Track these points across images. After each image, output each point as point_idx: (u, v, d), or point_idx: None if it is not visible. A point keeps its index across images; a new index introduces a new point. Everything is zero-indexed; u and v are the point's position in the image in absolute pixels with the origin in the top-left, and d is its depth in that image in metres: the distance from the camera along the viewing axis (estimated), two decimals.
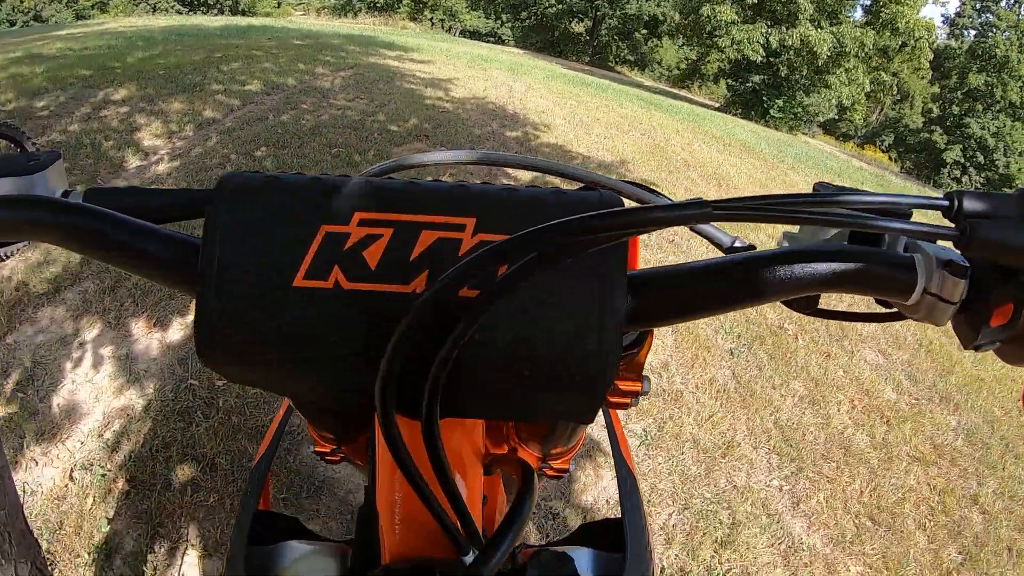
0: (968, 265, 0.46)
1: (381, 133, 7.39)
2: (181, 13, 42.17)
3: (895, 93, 37.39)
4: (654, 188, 0.69)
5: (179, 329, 3.56)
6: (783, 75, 29.18)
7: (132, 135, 6.51)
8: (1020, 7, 39.20)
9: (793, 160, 13.99)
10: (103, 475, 2.63)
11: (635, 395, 0.60)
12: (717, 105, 32.29)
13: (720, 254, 0.60)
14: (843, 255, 0.47)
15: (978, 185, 37.92)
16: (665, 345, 4.19)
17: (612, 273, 0.46)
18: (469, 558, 0.53)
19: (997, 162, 38.21)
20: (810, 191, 0.48)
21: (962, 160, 38.94)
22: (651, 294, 0.49)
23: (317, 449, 0.90)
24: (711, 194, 7.98)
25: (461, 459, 0.58)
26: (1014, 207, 0.43)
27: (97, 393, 3.08)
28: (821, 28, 28.22)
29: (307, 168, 5.84)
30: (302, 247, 0.46)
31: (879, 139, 46.64)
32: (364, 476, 1.00)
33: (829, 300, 0.56)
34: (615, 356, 0.45)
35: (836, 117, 34.76)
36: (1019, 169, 38.32)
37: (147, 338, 3.47)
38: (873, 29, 28.96)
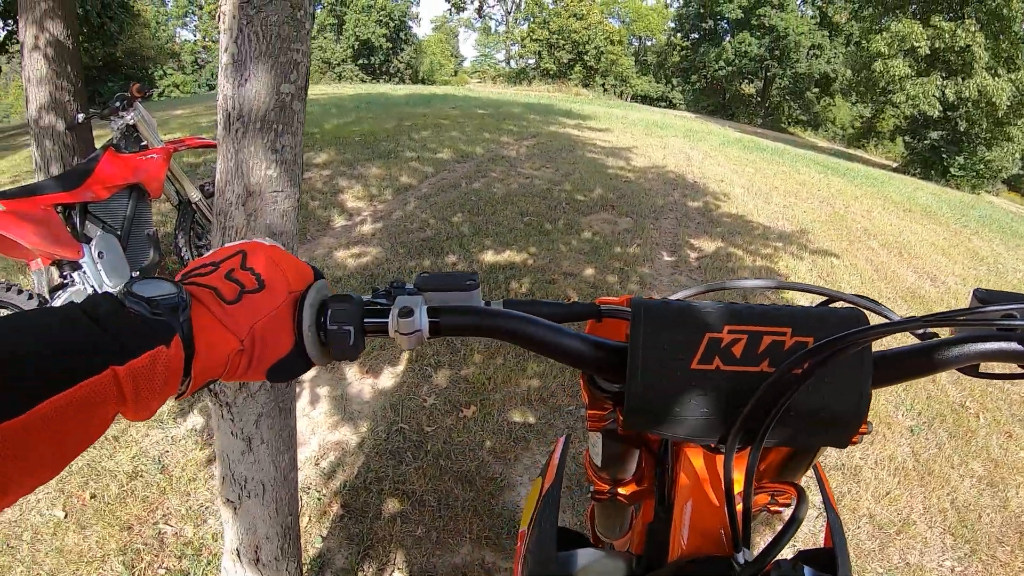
0: None
1: (569, 202, 7.60)
2: (365, 81, 43.82)
3: None
4: (876, 300, 0.96)
5: (390, 377, 3.81)
6: (962, 129, 27.40)
7: (336, 197, 6.96)
8: None
9: (977, 224, 13.35)
10: (319, 498, 2.88)
11: (863, 434, 0.79)
12: (895, 165, 30.94)
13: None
14: (991, 337, 0.74)
15: None
16: None
17: (866, 360, 0.71)
18: (740, 558, 0.76)
19: None
20: (969, 297, 0.88)
21: None
22: (883, 368, 0.76)
23: (596, 487, 1.12)
24: (891, 263, 7.82)
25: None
26: None
27: (314, 427, 3.37)
28: (999, 76, 26.47)
29: (502, 235, 6.13)
30: (696, 345, 0.72)
31: None
32: (608, 510, 1.26)
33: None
34: (865, 407, 0.72)
35: (1021, 172, 32.89)
36: None
37: (360, 383, 3.75)
38: None
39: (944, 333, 0.81)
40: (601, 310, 0.90)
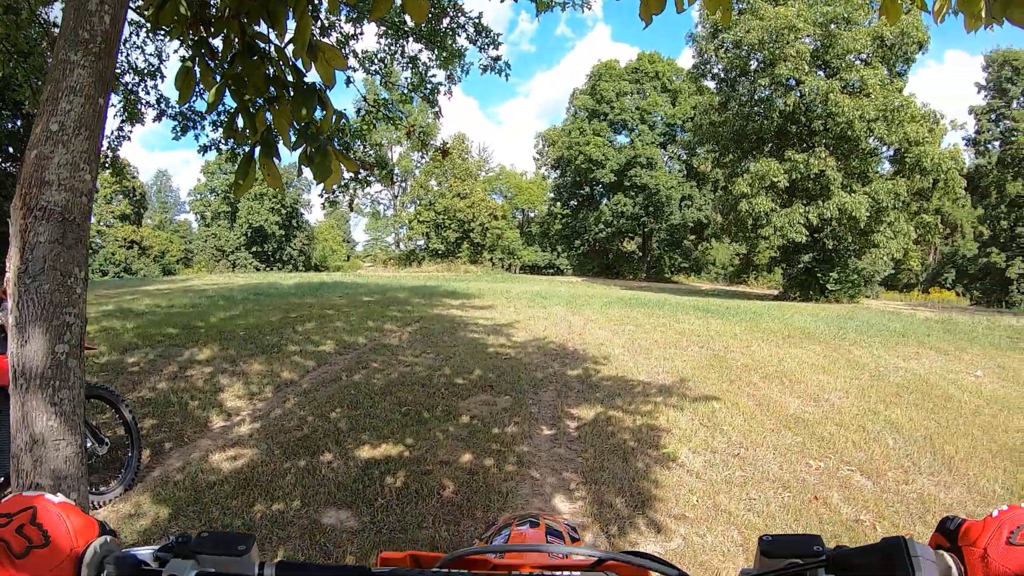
0: None
1: (448, 387, 7.65)
2: (259, 269, 44.00)
3: (943, 230, 37.10)
4: (653, 556, 0.94)
5: None
6: (831, 247, 29.77)
7: (215, 395, 6.90)
8: None
9: (855, 334, 13.74)
10: None
11: None
12: (776, 293, 32.78)
13: None
14: None
15: None
16: None
17: None
18: None
19: None
20: (756, 547, 0.83)
21: None
22: None
23: None
24: (773, 394, 8.02)
25: None
26: (874, 556, 0.68)
27: None
28: (854, 192, 28.92)
29: (379, 428, 6.11)
30: None
31: (941, 278, 45.59)
32: None
33: None
34: None
35: (894, 271, 34.59)
36: None
37: None
38: (903, 176, 29.41)
39: None
40: (372, 573, 0.91)
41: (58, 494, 0.85)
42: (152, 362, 7.77)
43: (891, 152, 30.94)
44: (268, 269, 45.19)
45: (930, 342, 13.05)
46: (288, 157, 3.20)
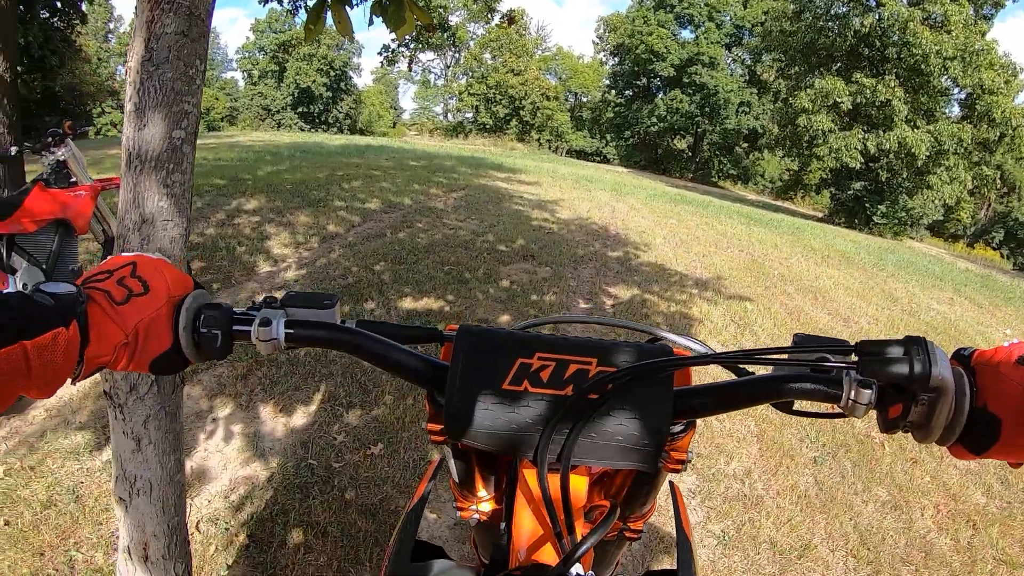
0: (872, 382, 0.76)
1: (490, 252, 7.75)
2: (304, 130, 43.67)
3: (1000, 186, 36.15)
4: (695, 339, 1.06)
5: (302, 416, 3.87)
6: (884, 179, 28.71)
7: (262, 243, 7.00)
8: None
9: (893, 268, 13.61)
10: (226, 529, 2.92)
11: (683, 462, 0.89)
12: (821, 215, 31.94)
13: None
14: (805, 378, 0.81)
15: None
16: (749, 454, 4.29)
17: (663, 389, 0.83)
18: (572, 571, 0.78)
19: None
20: (790, 340, 0.89)
21: None
22: (688, 401, 0.85)
23: (458, 504, 1.16)
24: (805, 306, 8.06)
25: (573, 503, 0.87)
26: (898, 348, 0.76)
27: (226, 462, 3.41)
28: (917, 128, 27.78)
29: (422, 283, 6.23)
30: (507, 368, 0.84)
31: (989, 236, 44.22)
32: (477, 531, 1.30)
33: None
34: (665, 434, 0.83)
35: (943, 218, 33.68)
36: None
37: (273, 421, 3.80)
38: (970, 123, 28.23)
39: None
40: (443, 335, 0.99)
41: (155, 252, 0.93)
42: (200, 210, 7.85)
43: (962, 95, 29.45)
44: (313, 130, 44.69)
45: (966, 292, 12.80)
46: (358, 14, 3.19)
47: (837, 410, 0.80)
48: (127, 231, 1.69)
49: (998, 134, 28.72)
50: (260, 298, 0.99)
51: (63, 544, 2.77)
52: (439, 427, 0.89)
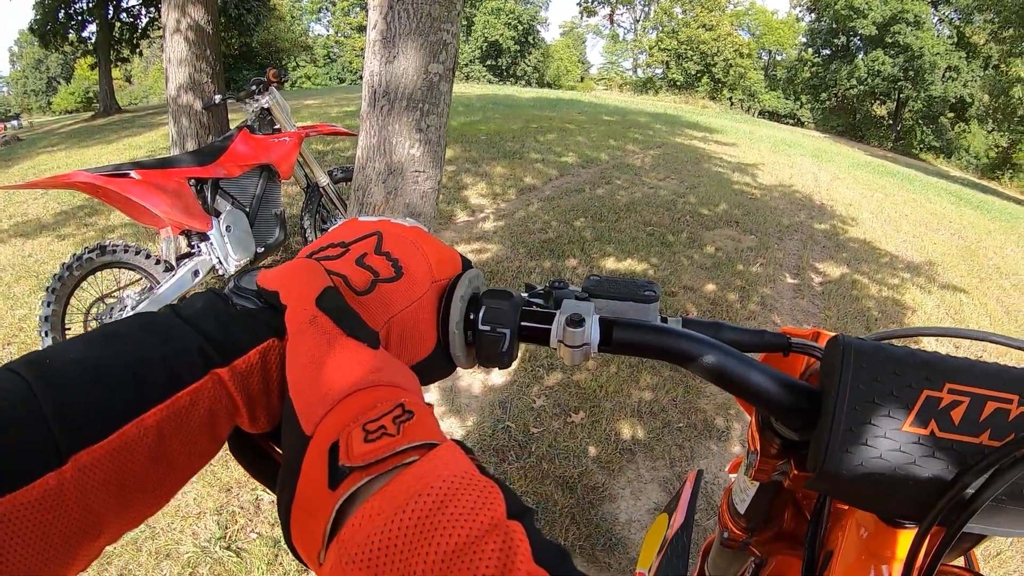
0: None
1: (692, 216, 7.49)
2: (492, 83, 44.37)
3: None
4: None
5: (501, 374, 3.79)
6: None
7: (460, 192, 7.00)
8: None
9: None
10: None
11: None
12: None
13: None
14: None
15: None
16: None
17: None
18: None
19: None
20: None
21: None
22: None
23: (730, 535, 1.00)
24: (1023, 307, 7.53)
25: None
26: None
27: None
28: None
29: (624, 243, 6.07)
30: (910, 402, 0.59)
31: None
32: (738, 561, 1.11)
33: None
34: None
35: None
36: None
37: (471, 377, 3.74)
38: None
39: None
40: (791, 344, 0.77)
41: (406, 218, 0.65)
42: None
43: None
44: (501, 83, 45.41)
45: None
46: None
47: None
48: (368, 183, 1.45)
49: None
50: (541, 285, 0.75)
51: (250, 483, 2.83)
52: (775, 463, 0.76)
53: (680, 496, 1.14)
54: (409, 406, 0.44)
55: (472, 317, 0.65)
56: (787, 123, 44.20)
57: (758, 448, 0.78)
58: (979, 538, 0.76)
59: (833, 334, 0.68)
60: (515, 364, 3.79)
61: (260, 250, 4.25)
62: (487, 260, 5.24)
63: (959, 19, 43.01)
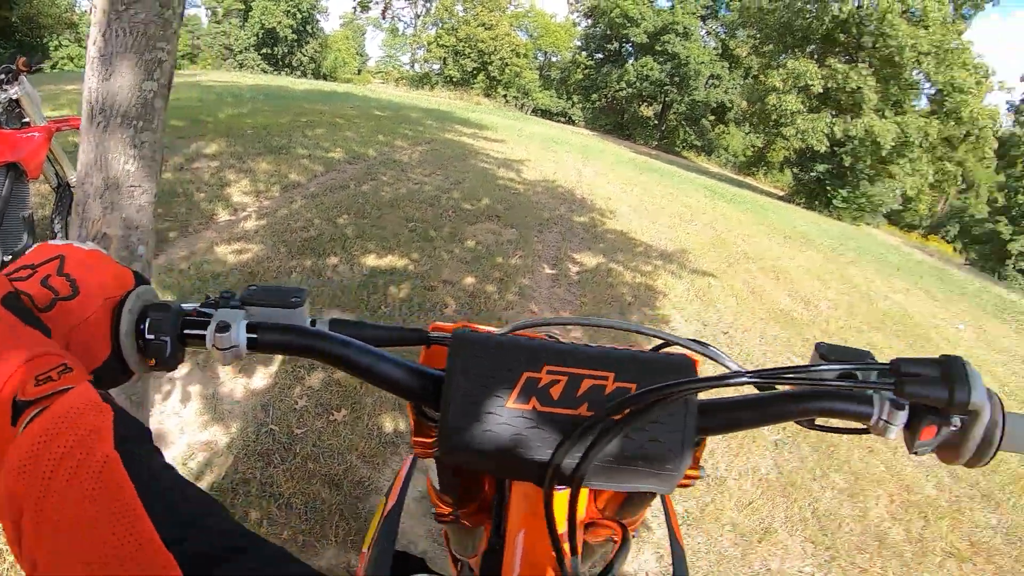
0: (905, 403, 0.72)
1: (455, 211, 7.66)
2: (267, 72, 43.00)
3: (960, 183, 36.96)
4: (710, 344, 0.92)
5: (263, 377, 3.77)
6: (847, 165, 29.08)
7: (222, 190, 6.84)
8: None
9: (854, 254, 13.95)
10: None
11: (695, 478, 0.84)
12: (782, 194, 32.35)
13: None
14: (831, 396, 0.75)
15: None
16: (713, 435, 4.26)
17: (688, 408, 0.73)
18: None
19: None
20: (813, 351, 0.83)
21: None
22: (713, 418, 0.77)
23: (437, 510, 1.07)
24: (767, 286, 8.20)
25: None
26: (935, 369, 0.69)
27: (183, 426, 3.31)
28: (885, 118, 28.24)
29: (386, 240, 6.15)
30: (512, 383, 0.72)
31: (944, 229, 45.88)
32: (457, 532, 1.22)
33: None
34: (686, 456, 0.73)
35: (901, 207, 34.50)
36: None
37: (232, 382, 3.70)
38: (937, 119, 28.75)
39: None
40: (429, 337, 0.89)
41: (87, 242, 0.77)
42: None
43: (933, 91, 29.90)
44: (276, 73, 43.95)
45: (923, 284, 13.14)
46: None
47: (860, 426, 0.77)
48: (87, 198, 1.53)
49: (963, 132, 29.52)
50: (209, 296, 0.86)
51: None
52: (429, 442, 0.84)
53: (395, 480, 1.23)
54: (71, 364, 0.59)
55: (141, 327, 0.75)
56: (559, 121, 45.40)
57: (412, 428, 0.88)
58: (650, 495, 0.95)
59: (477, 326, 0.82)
60: (276, 367, 3.84)
61: (7, 258, 3.92)
62: (248, 261, 5.18)
63: (725, 33, 46.12)
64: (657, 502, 1.19)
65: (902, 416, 0.72)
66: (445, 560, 1.40)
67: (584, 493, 0.89)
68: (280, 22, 46.53)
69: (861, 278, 10.99)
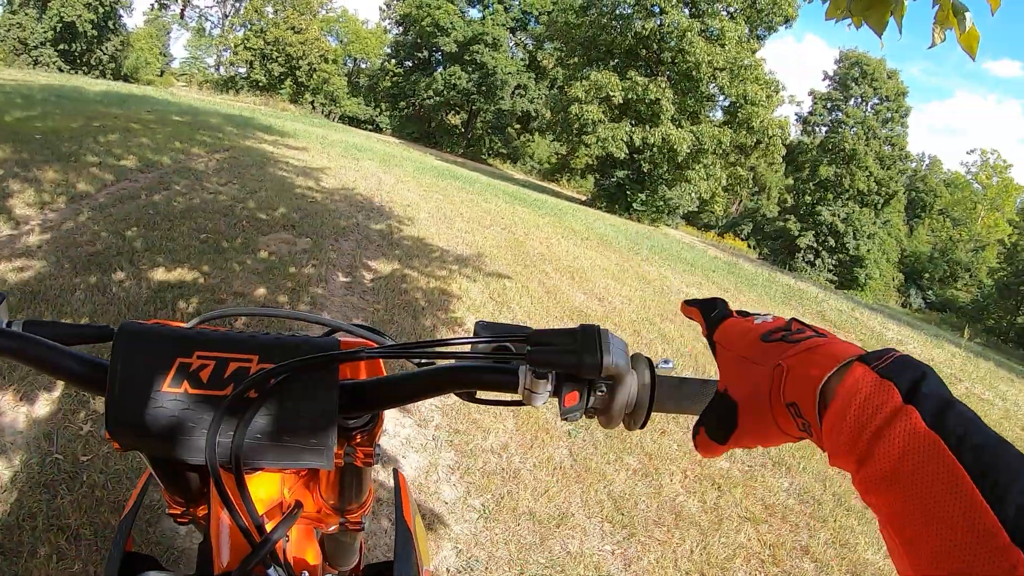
0: (546, 372, 0.76)
1: (250, 221, 7.60)
2: (63, 71, 40.73)
3: (752, 186, 39.71)
4: (379, 330, 0.99)
5: (45, 404, 3.60)
6: (646, 170, 31.03)
7: (4, 201, 6.50)
8: (867, 105, 42.64)
9: (648, 252, 14.78)
10: None
11: (372, 455, 0.89)
12: (584, 199, 33.90)
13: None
14: (483, 369, 0.81)
15: (831, 266, 41.91)
16: (505, 429, 4.47)
17: (327, 384, 0.79)
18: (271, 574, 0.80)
19: (847, 244, 41.86)
20: (472, 328, 0.87)
21: (815, 244, 42.50)
22: (360, 395, 0.83)
23: (170, 511, 1.05)
24: (563, 285, 8.61)
25: (264, 502, 0.87)
26: (569, 339, 0.74)
27: None
28: (682, 127, 30.29)
29: (176, 252, 6.05)
30: (167, 368, 0.77)
31: (739, 228, 49.57)
32: (199, 531, 1.18)
33: None
34: (331, 430, 0.78)
35: (697, 209, 36.58)
36: (868, 250, 42.08)
37: (14, 411, 3.51)
38: (731, 128, 31.36)
39: None
40: (114, 332, 0.86)
41: None
42: None
43: (727, 103, 32.59)
44: (73, 72, 41.37)
45: (714, 277, 14.23)
46: None
47: (516, 397, 0.80)
48: None
49: (755, 140, 32.25)
50: None
51: None
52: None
53: (137, 484, 1.23)
54: None
55: None
56: (366, 128, 45.27)
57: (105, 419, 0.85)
58: (358, 478, 0.98)
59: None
60: (59, 391, 3.71)
61: None
62: (29, 279, 4.94)
63: (533, 45, 47.44)
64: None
65: (545, 385, 0.76)
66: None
67: (274, 477, 0.91)
68: (80, 15, 43.70)
69: (656, 274, 11.64)
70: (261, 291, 5.70)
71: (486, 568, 3.20)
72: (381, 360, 0.93)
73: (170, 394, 0.77)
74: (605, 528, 3.72)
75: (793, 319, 0.70)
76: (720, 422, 0.70)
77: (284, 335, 0.84)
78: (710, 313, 0.79)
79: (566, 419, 0.77)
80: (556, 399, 0.78)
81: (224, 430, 0.76)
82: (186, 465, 0.91)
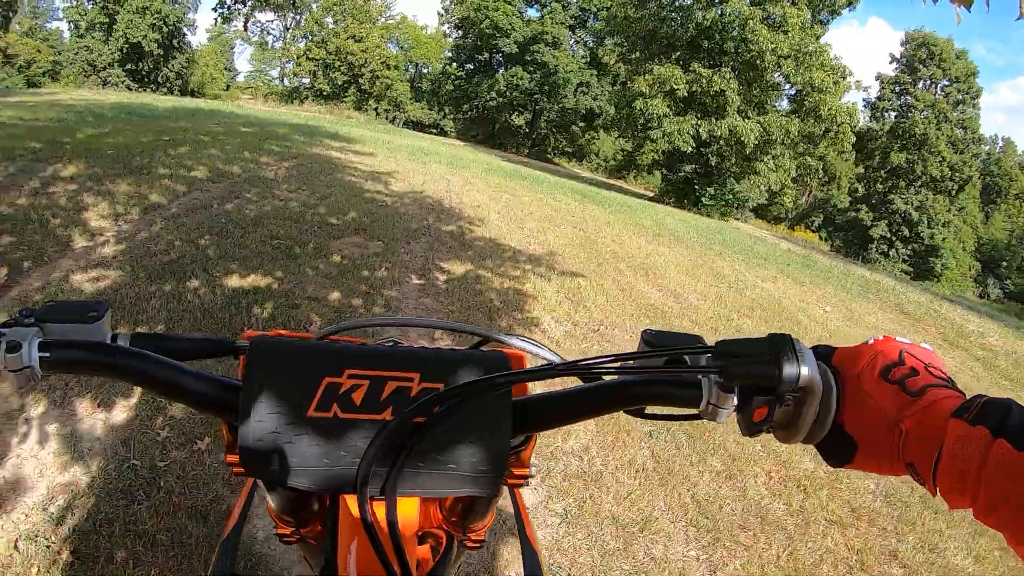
0: (733, 386, 0.70)
1: (321, 226, 7.58)
2: (131, 89, 41.70)
3: (822, 176, 38.89)
4: (534, 341, 0.90)
5: (122, 411, 3.62)
6: (713, 164, 30.46)
7: (79, 215, 6.57)
8: (936, 87, 41.59)
9: (721, 247, 14.55)
10: (47, 546, 2.68)
11: (525, 478, 0.82)
12: (651, 195, 33.39)
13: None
14: (661, 382, 0.75)
15: (905, 256, 40.86)
16: (587, 430, 4.35)
17: (501, 406, 0.73)
18: None
19: (922, 234, 40.80)
20: (639, 339, 0.83)
21: (888, 235, 41.56)
22: (529, 413, 0.76)
23: (278, 531, 1.00)
24: (637, 283, 8.43)
25: (402, 530, 0.77)
26: (761, 349, 0.68)
27: (42, 468, 3.13)
28: (748, 119, 29.60)
29: (249, 259, 6.06)
30: (312, 390, 0.70)
31: (809, 220, 48.63)
32: (306, 552, 1.16)
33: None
34: (504, 456, 0.73)
35: (767, 202, 35.95)
36: (943, 239, 40.96)
37: (92, 419, 3.53)
38: (798, 117, 30.47)
39: None
40: (237, 346, 0.85)
41: None
42: (12, 176, 7.29)
43: (793, 91, 31.79)
44: (142, 90, 42.42)
45: (789, 271, 13.86)
46: None
47: (693, 412, 0.75)
48: None
49: (823, 129, 31.14)
50: (13, 315, 0.77)
51: None
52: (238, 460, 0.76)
53: (236, 501, 1.19)
54: None
55: None
56: (431, 132, 45.51)
57: (227, 443, 0.79)
58: (488, 499, 0.88)
59: (261, 333, 0.79)
60: (135, 398, 3.71)
61: None
62: (105, 288, 5.00)
63: (593, 42, 47.16)
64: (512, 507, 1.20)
65: (731, 399, 0.72)
66: None
67: (415, 501, 0.85)
68: (146, 36, 44.87)
69: (729, 270, 11.41)
70: (335, 295, 5.66)
71: (568, 575, 3.12)
72: None
73: (318, 419, 0.70)
74: (689, 532, 3.63)
75: (903, 350, 0.70)
76: (835, 451, 0.71)
77: (443, 349, 0.78)
78: (817, 350, 0.74)
79: (751, 435, 0.73)
80: (737, 414, 0.73)
81: (380, 458, 0.70)
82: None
